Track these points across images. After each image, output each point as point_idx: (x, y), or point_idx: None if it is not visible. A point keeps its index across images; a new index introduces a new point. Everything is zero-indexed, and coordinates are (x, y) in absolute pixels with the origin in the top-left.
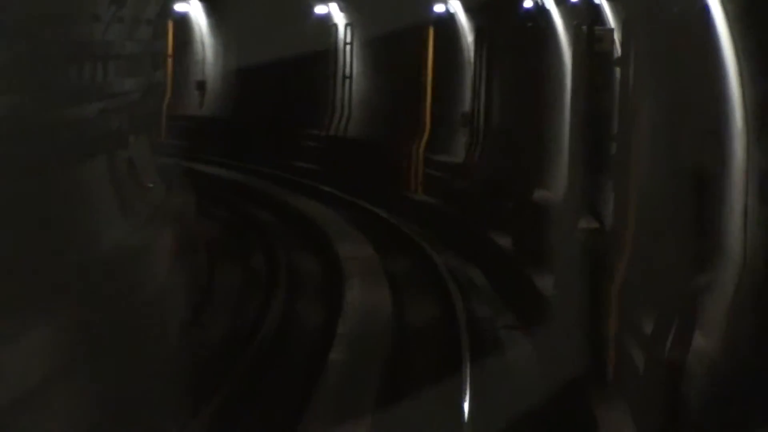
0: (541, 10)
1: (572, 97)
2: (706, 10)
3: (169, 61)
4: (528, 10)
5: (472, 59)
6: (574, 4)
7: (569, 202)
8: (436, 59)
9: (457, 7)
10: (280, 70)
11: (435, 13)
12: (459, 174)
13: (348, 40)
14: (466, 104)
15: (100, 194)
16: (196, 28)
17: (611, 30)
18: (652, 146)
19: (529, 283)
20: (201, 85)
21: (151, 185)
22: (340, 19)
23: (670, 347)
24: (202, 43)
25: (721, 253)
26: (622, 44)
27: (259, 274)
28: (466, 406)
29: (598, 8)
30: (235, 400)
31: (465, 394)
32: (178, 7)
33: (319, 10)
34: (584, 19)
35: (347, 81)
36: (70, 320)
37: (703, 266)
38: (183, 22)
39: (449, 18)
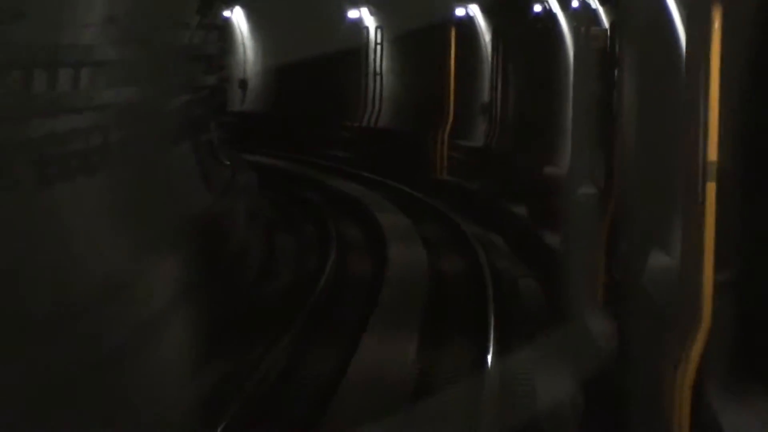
0: (548, 14)
1: (574, 87)
2: (668, 14)
3: None
4: (537, 13)
5: (489, 56)
6: (575, 8)
7: (572, 174)
8: (458, 56)
9: (475, 11)
10: (316, 68)
11: (456, 15)
12: (479, 156)
13: (378, 40)
14: (485, 95)
15: (191, 168)
16: (237, 31)
17: (605, 30)
18: (636, 124)
19: (540, 241)
20: (243, 83)
21: (227, 162)
22: (370, 22)
23: (640, 268)
24: (244, 45)
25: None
26: (611, 42)
27: (312, 239)
28: (491, 333)
29: (595, 12)
30: (308, 329)
31: (490, 326)
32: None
33: (352, 14)
34: (583, 21)
35: (378, 77)
36: (184, 258)
37: (669, 210)
38: (226, 26)
39: (469, 20)
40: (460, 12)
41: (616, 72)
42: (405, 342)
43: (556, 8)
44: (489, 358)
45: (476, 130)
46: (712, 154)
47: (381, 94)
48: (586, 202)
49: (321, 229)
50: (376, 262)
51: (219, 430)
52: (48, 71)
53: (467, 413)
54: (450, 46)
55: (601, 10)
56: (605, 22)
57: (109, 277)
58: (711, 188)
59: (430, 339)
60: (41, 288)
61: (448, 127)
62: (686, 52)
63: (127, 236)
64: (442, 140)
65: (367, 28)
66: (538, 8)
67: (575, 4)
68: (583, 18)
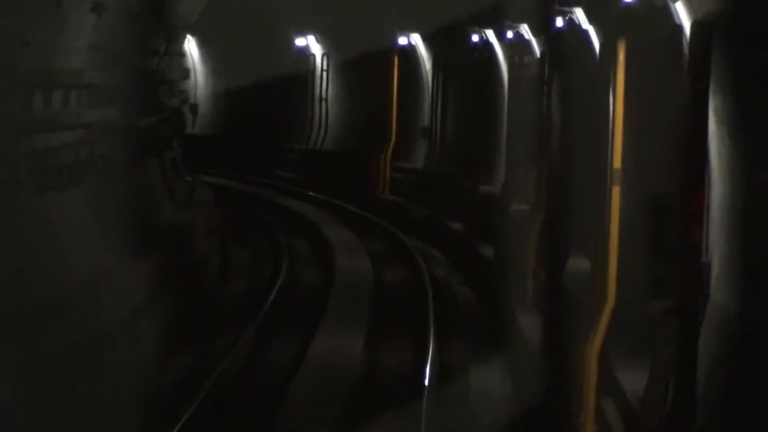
0: (485, 43)
1: (508, 111)
2: (590, 45)
3: None
4: (475, 43)
5: (429, 82)
6: (510, 39)
7: (506, 192)
8: (400, 83)
9: (417, 40)
10: (265, 94)
11: (399, 44)
12: (420, 176)
13: (324, 67)
14: (425, 119)
15: (156, 183)
16: (189, 58)
17: (537, 59)
18: (562, 143)
19: (476, 252)
20: (193, 108)
21: (189, 179)
22: (317, 49)
23: (562, 269)
24: (195, 71)
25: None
26: (542, 69)
27: (265, 251)
28: (431, 329)
29: (528, 42)
30: (267, 325)
31: (430, 326)
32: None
33: (299, 42)
34: (517, 51)
35: (323, 102)
36: (152, 265)
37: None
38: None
39: (411, 48)
40: (402, 41)
41: (546, 96)
42: (353, 339)
43: (493, 38)
44: (429, 353)
45: (417, 152)
46: (617, 162)
47: (326, 118)
48: (518, 217)
49: (273, 243)
50: (324, 271)
51: (183, 418)
52: (44, 92)
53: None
54: (393, 72)
55: (533, 41)
56: (537, 52)
57: (88, 276)
58: (615, 191)
59: (376, 338)
60: (34, 281)
61: (390, 149)
62: (598, 77)
63: (104, 240)
64: (384, 162)
65: (313, 56)
66: (475, 38)
67: (510, 35)
68: (517, 48)
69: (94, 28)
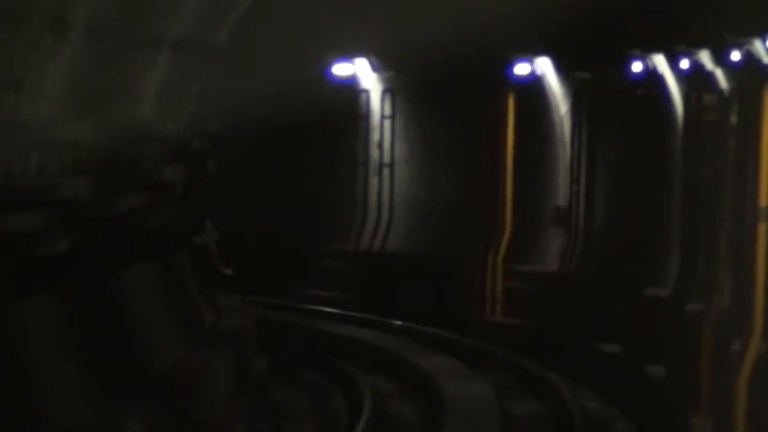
0: (652, 75)
1: (684, 175)
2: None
3: None
4: (637, 75)
5: (567, 136)
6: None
7: (679, 290)
8: (518, 137)
9: (546, 68)
10: None
11: (515, 75)
12: (554, 286)
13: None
14: (560, 196)
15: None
16: None
17: (721, 97)
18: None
19: (642, 376)
20: None
21: None
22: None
23: None
24: None
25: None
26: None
27: None
28: None
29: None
30: None
31: None
32: None
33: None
34: (695, 87)
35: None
36: None
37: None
38: None
39: (535, 82)
40: (521, 69)
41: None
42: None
43: (665, 69)
44: None
45: (546, 249)
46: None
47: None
48: (694, 321)
49: None
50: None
51: None
52: None
53: None
54: (506, 121)
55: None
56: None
57: None
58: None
59: None
60: None
61: (504, 245)
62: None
63: None
64: (494, 265)
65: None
66: (637, 67)
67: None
68: (695, 82)
69: None
